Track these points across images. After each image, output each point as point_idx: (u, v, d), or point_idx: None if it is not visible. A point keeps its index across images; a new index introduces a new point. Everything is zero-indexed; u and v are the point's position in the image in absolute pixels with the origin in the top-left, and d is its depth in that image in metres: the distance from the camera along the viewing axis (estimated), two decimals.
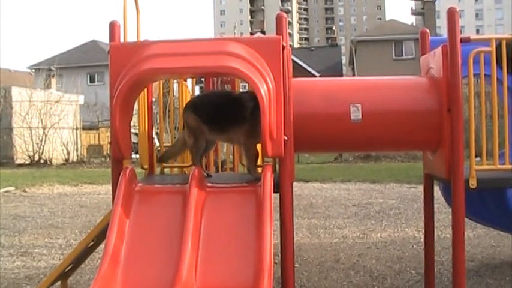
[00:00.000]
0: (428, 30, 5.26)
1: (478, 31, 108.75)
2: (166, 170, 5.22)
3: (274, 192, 3.87)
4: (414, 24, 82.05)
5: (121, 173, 3.93)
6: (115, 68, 4.02)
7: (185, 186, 3.93)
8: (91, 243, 4.87)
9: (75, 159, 25.48)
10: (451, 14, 4.29)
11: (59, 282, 5.16)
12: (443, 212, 7.74)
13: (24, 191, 14.09)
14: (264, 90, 3.74)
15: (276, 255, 4.10)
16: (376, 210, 9.88)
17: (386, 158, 21.08)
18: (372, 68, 38.73)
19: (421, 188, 5.45)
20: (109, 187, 4.71)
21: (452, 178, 4.30)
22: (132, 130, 4.35)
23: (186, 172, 5.12)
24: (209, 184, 4.08)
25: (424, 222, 5.21)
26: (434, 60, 4.65)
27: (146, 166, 4.84)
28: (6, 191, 13.99)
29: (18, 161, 24.06)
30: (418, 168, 6.21)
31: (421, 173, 5.27)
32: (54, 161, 24.30)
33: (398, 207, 10.19)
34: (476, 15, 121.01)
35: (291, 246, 4.16)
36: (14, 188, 14.53)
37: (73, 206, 11.46)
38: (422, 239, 5.35)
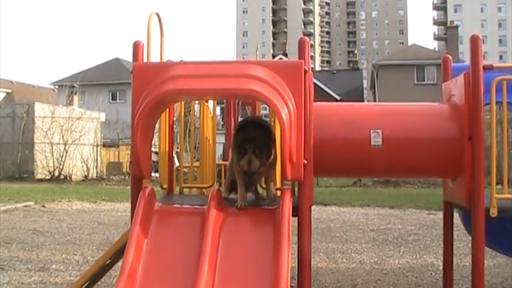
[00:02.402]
0: (450, 57, 5.25)
1: (501, 57, 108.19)
2: (185, 190, 5.23)
3: (293, 215, 3.87)
4: (437, 49, 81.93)
5: (140, 192, 3.96)
6: (138, 87, 4.06)
7: (204, 208, 3.94)
8: (108, 261, 4.88)
9: (94, 175, 25.64)
10: (474, 42, 4.29)
11: None
12: (462, 240, 7.66)
13: (44, 206, 14.18)
14: (285, 113, 3.75)
15: (293, 278, 4.07)
16: (394, 236, 9.79)
17: (405, 183, 20.94)
18: (393, 92, 38.70)
19: (440, 214, 5.41)
20: (127, 205, 4.74)
21: (472, 206, 4.27)
22: (152, 149, 4.37)
23: (205, 193, 5.13)
24: (228, 206, 4.09)
25: (443, 249, 5.16)
26: (456, 87, 4.64)
27: (165, 186, 4.86)
28: (26, 206, 14.09)
29: (39, 176, 24.26)
30: (437, 194, 6.17)
31: (440, 199, 5.23)
32: (73, 177, 24.47)
33: (417, 233, 10.08)
34: (500, 41, 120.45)
35: (308, 270, 4.14)
36: (33, 202, 14.63)
37: (91, 222, 11.50)
38: (441, 267, 5.29)
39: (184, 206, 4.36)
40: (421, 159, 4.52)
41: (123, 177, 25.19)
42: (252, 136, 4.11)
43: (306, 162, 3.93)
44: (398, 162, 4.56)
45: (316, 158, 4.18)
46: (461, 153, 4.36)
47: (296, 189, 4.34)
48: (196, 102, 5.53)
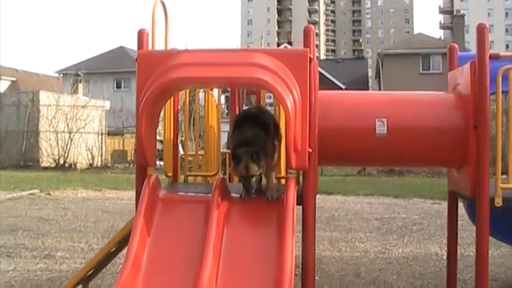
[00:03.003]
0: (456, 46, 5.23)
1: (507, 47, 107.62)
2: (190, 179, 5.24)
3: (297, 204, 3.87)
4: (442, 38, 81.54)
5: (145, 181, 3.96)
6: (142, 75, 4.05)
7: (208, 196, 3.94)
8: (113, 249, 4.90)
9: (99, 164, 25.71)
10: (481, 31, 4.27)
11: (80, 286, 5.20)
12: (467, 230, 7.65)
13: (49, 194, 14.24)
14: (290, 102, 3.74)
15: (297, 267, 4.08)
16: (398, 225, 9.80)
17: (410, 173, 20.93)
18: (398, 81, 38.56)
19: (444, 204, 5.41)
20: (132, 193, 4.75)
21: (477, 196, 4.27)
22: (157, 137, 4.37)
23: (210, 181, 5.14)
24: (234, 194, 4.09)
25: (447, 239, 5.16)
26: (462, 76, 4.62)
27: (170, 174, 4.86)
28: (31, 194, 14.15)
29: (44, 164, 24.35)
30: (442, 184, 6.16)
31: (445, 189, 5.22)
32: (78, 165, 24.54)
33: (421, 222, 10.09)
34: (506, 30, 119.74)
35: (312, 258, 4.14)
36: (38, 190, 14.69)
37: (96, 210, 11.55)
38: (445, 256, 5.30)
39: (189, 194, 4.36)
40: (426, 149, 4.51)
41: (127, 165, 25.28)
42: (248, 139, 3.96)
43: (310, 150, 3.93)
44: (403, 151, 4.55)
45: (320, 147, 4.18)
46: (467, 143, 4.35)
47: (300, 178, 4.35)
48: (201, 90, 5.52)
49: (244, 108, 5.87)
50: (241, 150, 3.89)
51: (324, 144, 4.24)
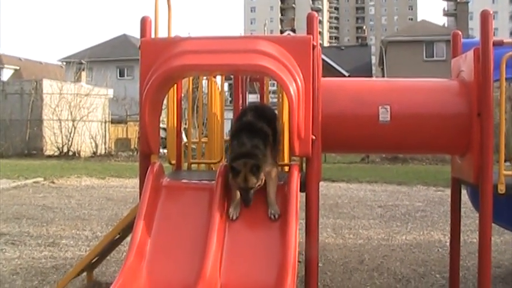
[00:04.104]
0: (460, 32, 5.20)
1: None
2: (193, 166, 5.25)
3: (301, 191, 3.88)
4: (446, 25, 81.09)
5: (149, 168, 3.97)
6: (145, 63, 4.05)
7: (212, 183, 3.95)
8: (117, 236, 4.93)
9: (103, 152, 25.75)
10: (485, 17, 4.25)
11: (84, 273, 5.23)
12: (470, 217, 7.67)
13: (53, 182, 14.27)
14: (294, 89, 3.74)
15: (300, 253, 4.10)
16: (402, 212, 9.82)
17: (413, 160, 20.91)
18: (401, 68, 38.43)
19: (448, 191, 5.40)
20: (136, 181, 4.77)
21: (480, 183, 4.26)
22: (161, 125, 4.38)
23: (213, 168, 5.15)
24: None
25: (451, 226, 5.17)
26: (465, 63, 4.61)
27: (173, 161, 4.88)
28: (35, 182, 14.18)
29: (48, 153, 24.38)
30: (445, 171, 6.16)
31: (448, 176, 5.22)
32: (82, 154, 24.57)
33: (425, 210, 10.10)
34: (511, 17, 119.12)
35: (316, 245, 4.16)
36: (42, 179, 14.72)
37: (100, 198, 11.59)
38: (448, 243, 5.31)
39: (193, 181, 4.37)
40: (430, 135, 4.51)
41: (131, 153, 25.31)
42: (247, 151, 3.81)
43: (314, 137, 3.93)
44: (406, 138, 4.55)
45: (324, 134, 4.17)
46: (470, 130, 4.34)
47: (304, 165, 4.35)
48: (204, 78, 5.52)
49: (247, 102, 5.86)
50: (240, 162, 3.76)
51: (327, 131, 4.24)
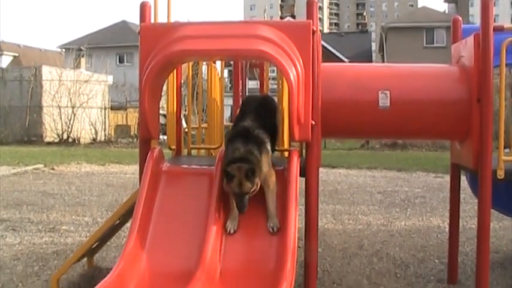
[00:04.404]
0: (460, 18, 5.18)
1: None
2: (193, 152, 5.25)
3: (300, 176, 3.89)
4: (447, 11, 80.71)
5: (149, 153, 3.98)
6: (145, 49, 4.05)
7: (211, 168, 3.96)
8: (117, 222, 4.93)
9: (102, 138, 25.75)
10: (485, 3, 4.23)
11: (85, 259, 5.25)
12: (469, 203, 7.69)
13: (53, 169, 14.28)
14: (293, 74, 3.74)
15: (300, 239, 4.11)
16: (401, 199, 9.84)
17: (413, 146, 20.92)
18: (402, 55, 38.27)
19: (447, 177, 5.42)
20: (136, 167, 4.77)
21: (479, 168, 4.28)
22: (160, 111, 4.38)
23: (213, 154, 5.15)
24: None
25: (450, 211, 5.18)
26: (465, 49, 4.60)
27: (173, 147, 4.88)
28: (35, 169, 14.20)
29: (47, 139, 24.38)
30: (445, 158, 6.16)
31: (448, 162, 5.23)
32: (82, 140, 24.58)
33: (424, 196, 10.13)
34: None
35: (315, 231, 4.17)
36: (42, 165, 14.73)
37: (100, 184, 11.60)
38: (447, 229, 5.33)
39: (193, 166, 4.38)
40: (429, 121, 4.51)
41: (131, 140, 25.31)
42: (241, 156, 3.72)
43: (313, 123, 3.94)
44: (406, 124, 4.55)
45: (323, 119, 4.18)
46: (470, 116, 4.34)
47: (304, 151, 4.36)
48: (204, 63, 5.52)
49: (246, 89, 5.85)
50: (234, 167, 3.66)
51: (327, 116, 4.25)
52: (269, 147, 3.96)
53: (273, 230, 3.71)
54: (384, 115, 4.45)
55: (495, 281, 4.93)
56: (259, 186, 3.73)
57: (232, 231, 3.74)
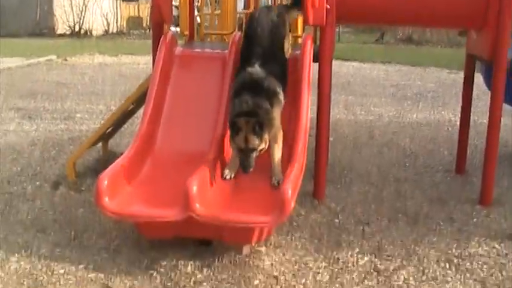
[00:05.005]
0: None
1: None
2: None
3: (314, 61, 3.88)
4: None
5: (162, 38, 3.97)
6: None
7: (225, 52, 3.96)
8: (131, 107, 4.96)
9: (115, 30, 25.46)
10: None
11: (100, 144, 5.35)
12: (482, 99, 7.63)
13: (66, 60, 14.23)
14: None
15: (312, 128, 4.15)
16: (413, 92, 9.79)
17: (428, 42, 20.52)
18: None
19: (461, 74, 5.35)
20: (148, 58, 4.75)
21: (494, 58, 4.22)
22: (173, 3, 4.32)
23: (226, 40, 5.12)
24: None
25: (461, 105, 5.15)
26: None
27: (186, 32, 4.85)
28: (48, 60, 14.15)
29: (59, 32, 24.12)
30: (460, 54, 6.04)
31: (462, 60, 5.14)
32: (94, 32, 24.31)
33: (437, 90, 10.06)
34: None
35: (327, 118, 4.22)
36: (55, 57, 14.67)
37: (113, 75, 11.60)
38: (458, 123, 5.33)
39: (206, 51, 4.37)
40: (446, 7, 4.40)
41: (143, 31, 25.03)
42: (249, 110, 3.44)
43: (328, 7, 3.88)
44: (422, 9, 4.44)
45: (338, 4, 4.09)
46: (488, 3, 4.24)
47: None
48: None
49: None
50: (242, 119, 3.38)
51: (342, 0, 4.15)
52: (282, 97, 3.65)
53: (277, 183, 3.45)
54: (401, 0, 4.36)
55: (502, 172, 4.97)
56: (268, 144, 3.46)
57: (229, 177, 3.54)
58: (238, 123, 3.36)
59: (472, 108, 5.18)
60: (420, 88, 10.31)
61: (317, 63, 4.05)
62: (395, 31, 20.55)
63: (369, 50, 17.43)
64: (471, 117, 5.20)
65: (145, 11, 26.92)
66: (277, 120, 3.53)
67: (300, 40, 4.53)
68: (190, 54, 4.22)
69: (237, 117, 3.41)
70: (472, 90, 5.10)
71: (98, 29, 24.51)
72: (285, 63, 3.88)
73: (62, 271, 3.24)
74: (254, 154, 3.38)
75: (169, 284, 3.11)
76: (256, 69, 3.61)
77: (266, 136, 3.40)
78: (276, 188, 3.35)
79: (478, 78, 5.27)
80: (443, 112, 8.04)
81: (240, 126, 3.36)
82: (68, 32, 24.06)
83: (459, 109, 5.29)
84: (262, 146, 3.40)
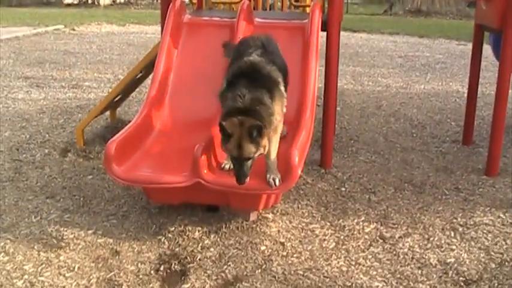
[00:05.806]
0: None
1: None
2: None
3: (322, 30, 3.87)
4: None
5: (170, 5, 3.96)
6: None
7: (233, 20, 3.95)
8: (139, 75, 4.96)
9: (122, 0, 25.34)
10: None
11: (108, 112, 5.38)
12: (490, 70, 7.63)
13: (73, 29, 14.20)
14: None
15: (319, 98, 4.16)
16: (422, 63, 9.74)
17: (437, 14, 20.34)
18: None
19: (470, 45, 5.30)
20: (156, 28, 4.75)
21: (503, 27, 4.20)
22: None
23: (234, 9, 5.10)
24: (257, 19, 4.08)
25: (469, 75, 5.12)
26: None
27: (195, 1, 4.84)
28: (56, 29, 14.12)
29: (67, 1, 24.01)
30: (469, 26, 5.99)
31: (471, 31, 5.11)
32: (101, 2, 24.19)
33: (445, 62, 10.00)
34: None
35: (335, 87, 4.22)
36: (63, 26, 14.63)
37: (121, 44, 11.59)
38: (466, 94, 5.31)
39: (214, 18, 4.37)
40: None
41: (151, 1, 24.89)
42: (245, 107, 2.82)
43: None
44: None
45: None
46: None
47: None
48: None
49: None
50: (234, 120, 2.76)
51: None
52: (283, 89, 3.15)
53: (273, 182, 2.99)
54: None
55: (508, 143, 4.98)
56: (266, 149, 2.90)
57: (227, 167, 3.20)
58: (229, 127, 2.74)
59: (480, 79, 5.15)
60: (428, 59, 10.26)
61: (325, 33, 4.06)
62: (404, 2, 20.37)
63: (377, 22, 17.30)
64: (479, 88, 5.18)
65: None
66: (276, 115, 2.99)
67: (308, 9, 4.50)
68: (199, 21, 4.22)
69: (228, 116, 2.81)
70: (480, 61, 5.07)
71: None
72: (285, 65, 3.35)
73: (71, 236, 3.30)
74: (250, 162, 2.83)
75: (177, 249, 3.16)
76: (254, 57, 3.11)
77: (264, 142, 2.84)
78: (271, 185, 2.97)
79: (487, 51, 5.23)
80: (451, 83, 8.01)
81: (231, 131, 2.75)
82: (75, 2, 23.95)
83: (467, 80, 5.27)
84: (260, 151, 2.85)
